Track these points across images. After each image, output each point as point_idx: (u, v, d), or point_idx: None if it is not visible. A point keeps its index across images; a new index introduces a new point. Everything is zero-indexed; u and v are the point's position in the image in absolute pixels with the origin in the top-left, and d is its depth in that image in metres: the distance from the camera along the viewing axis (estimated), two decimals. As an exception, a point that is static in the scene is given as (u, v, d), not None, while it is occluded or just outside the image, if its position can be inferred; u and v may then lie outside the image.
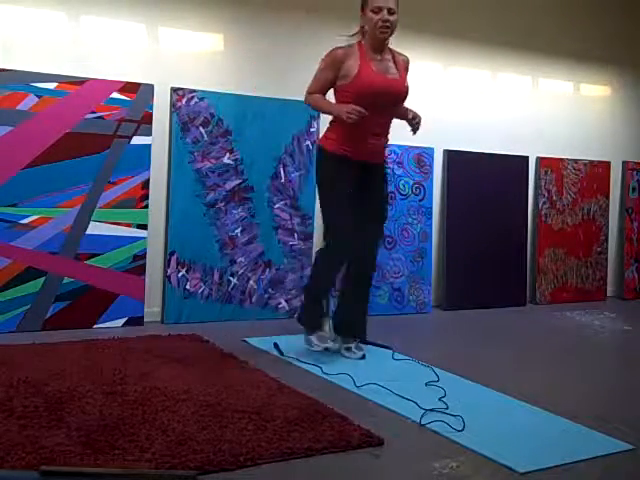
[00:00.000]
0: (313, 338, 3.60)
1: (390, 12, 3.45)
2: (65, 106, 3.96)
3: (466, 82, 5.35)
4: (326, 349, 3.58)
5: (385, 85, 3.49)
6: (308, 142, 4.63)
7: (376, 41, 3.51)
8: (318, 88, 3.58)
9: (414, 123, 3.59)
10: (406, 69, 3.65)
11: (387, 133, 3.63)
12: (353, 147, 3.51)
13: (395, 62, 3.59)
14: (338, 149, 3.53)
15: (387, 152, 3.74)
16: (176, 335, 3.90)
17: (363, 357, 3.63)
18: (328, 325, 3.77)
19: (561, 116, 5.79)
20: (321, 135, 3.78)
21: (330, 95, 3.64)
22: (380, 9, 3.44)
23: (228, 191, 4.42)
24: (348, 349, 3.67)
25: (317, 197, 3.71)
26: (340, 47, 3.52)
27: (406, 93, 3.58)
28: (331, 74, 3.52)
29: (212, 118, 4.36)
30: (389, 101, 3.53)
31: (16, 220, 3.89)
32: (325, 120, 4.64)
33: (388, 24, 3.45)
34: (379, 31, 3.46)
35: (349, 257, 3.62)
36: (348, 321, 3.73)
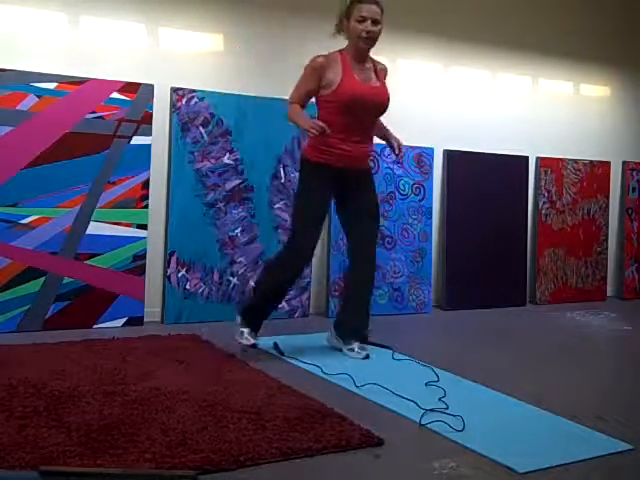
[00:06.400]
0: (246, 331, 3.59)
1: (374, 22, 3.47)
2: (65, 106, 3.96)
3: (466, 82, 5.35)
4: (253, 345, 3.58)
5: (368, 94, 3.51)
6: (308, 142, 4.63)
7: (358, 51, 3.53)
8: (298, 97, 3.57)
9: (398, 153, 3.66)
10: (385, 77, 3.70)
11: (371, 140, 3.67)
12: (334, 154, 3.52)
13: (376, 71, 3.63)
14: (319, 157, 3.54)
15: (371, 158, 3.84)
16: (176, 335, 3.90)
17: (367, 357, 3.62)
18: (330, 332, 3.83)
19: (561, 116, 5.79)
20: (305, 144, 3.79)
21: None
22: (364, 19, 3.46)
23: (228, 191, 4.42)
24: (351, 350, 3.66)
25: (293, 201, 3.76)
26: (321, 55, 3.52)
27: (387, 102, 3.62)
28: (312, 84, 3.52)
29: (212, 118, 4.36)
30: (371, 110, 3.56)
31: (16, 220, 3.89)
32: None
33: (372, 34, 3.47)
34: (362, 41, 3.49)
35: (296, 268, 3.62)
36: (350, 325, 3.73)
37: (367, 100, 3.50)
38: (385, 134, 3.76)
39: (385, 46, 4.96)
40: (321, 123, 3.35)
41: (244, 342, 3.57)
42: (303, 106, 3.58)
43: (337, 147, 3.50)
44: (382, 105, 3.60)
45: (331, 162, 3.53)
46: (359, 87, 3.50)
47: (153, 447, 2.31)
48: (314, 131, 3.34)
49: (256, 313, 3.66)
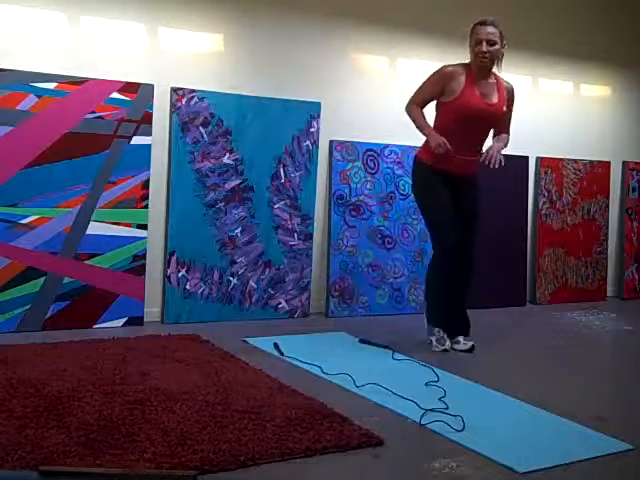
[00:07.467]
0: (434, 340, 3.89)
1: (490, 43, 3.74)
2: (65, 106, 3.95)
3: (466, 82, 5.34)
4: (444, 351, 3.86)
5: (483, 109, 3.76)
6: (308, 142, 4.63)
7: (478, 69, 3.79)
8: (421, 100, 3.84)
9: (486, 157, 3.74)
10: (509, 95, 3.91)
11: (480, 150, 3.86)
12: (446, 162, 3.76)
13: (498, 88, 3.85)
14: (434, 161, 3.78)
15: (478, 164, 3.92)
16: (176, 335, 3.90)
17: (472, 347, 3.90)
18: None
19: (561, 116, 5.79)
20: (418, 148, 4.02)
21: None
22: (480, 41, 3.73)
23: (228, 191, 4.42)
24: (457, 342, 3.93)
25: (417, 205, 4.03)
26: (450, 65, 3.80)
27: (498, 118, 3.85)
28: (437, 89, 3.79)
29: (212, 118, 4.36)
30: (483, 123, 3.82)
31: (16, 220, 3.89)
32: (325, 125, 4.69)
33: (487, 55, 3.73)
34: (479, 61, 3.76)
35: (456, 253, 3.83)
36: (453, 320, 3.98)
37: (481, 114, 3.75)
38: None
39: (385, 46, 5.00)
40: (448, 145, 3.65)
41: (437, 350, 3.86)
42: (422, 108, 3.84)
43: (450, 154, 3.71)
44: (493, 121, 3.84)
45: (444, 167, 3.78)
46: (476, 101, 3.74)
47: (153, 447, 2.31)
48: (440, 150, 3.66)
49: (440, 314, 3.94)
